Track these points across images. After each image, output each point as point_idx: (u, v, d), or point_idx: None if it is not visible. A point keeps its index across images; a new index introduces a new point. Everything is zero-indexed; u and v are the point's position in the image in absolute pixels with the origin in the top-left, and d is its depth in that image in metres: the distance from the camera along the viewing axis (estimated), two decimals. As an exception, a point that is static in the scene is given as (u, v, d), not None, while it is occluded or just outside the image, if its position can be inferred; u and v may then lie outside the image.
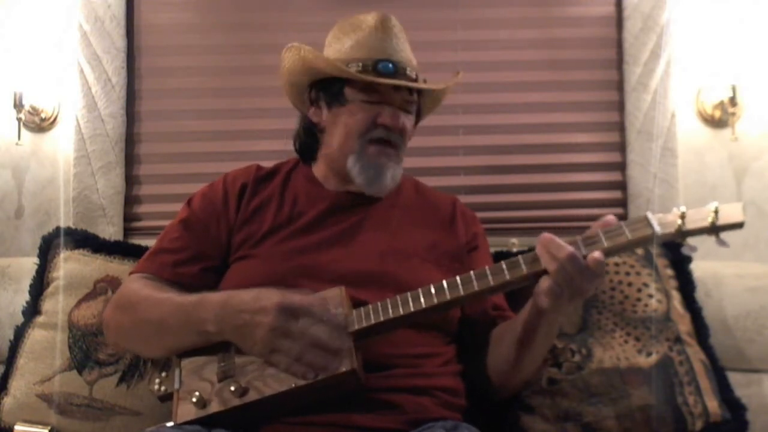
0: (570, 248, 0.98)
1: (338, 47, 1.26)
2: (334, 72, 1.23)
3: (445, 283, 1.06)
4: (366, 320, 1.06)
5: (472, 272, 1.06)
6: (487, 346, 1.23)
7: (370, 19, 1.26)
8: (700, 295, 1.47)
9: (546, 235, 1.01)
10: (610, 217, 1.03)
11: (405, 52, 1.27)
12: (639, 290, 1.41)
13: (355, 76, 1.21)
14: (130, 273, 1.25)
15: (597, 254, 0.98)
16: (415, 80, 1.26)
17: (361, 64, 1.22)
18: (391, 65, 1.22)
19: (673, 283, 1.46)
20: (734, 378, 1.39)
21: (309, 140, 1.33)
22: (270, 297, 1.03)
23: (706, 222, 0.97)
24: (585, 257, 0.99)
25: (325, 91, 1.27)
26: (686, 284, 1.47)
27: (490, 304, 1.27)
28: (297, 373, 1.01)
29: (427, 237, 1.28)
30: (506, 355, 1.18)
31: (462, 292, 1.05)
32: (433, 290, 1.06)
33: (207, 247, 1.24)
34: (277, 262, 1.18)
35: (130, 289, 1.20)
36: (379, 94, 1.23)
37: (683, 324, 1.40)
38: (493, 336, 1.23)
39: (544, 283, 1.01)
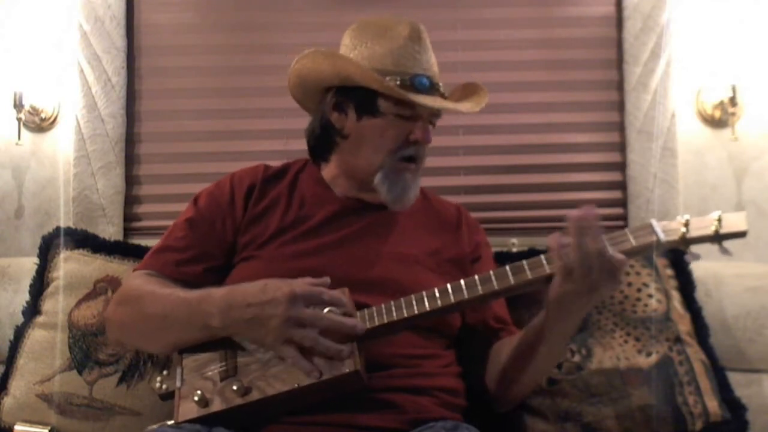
0: (602, 242, 0.97)
1: (367, 53, 1.23)
2: (377, 87, 1.20)
3: (449, 286, 1.07)
4: (369, 322, 1.06)
5: (476, 276, 1.07)
6: (486, 357, 1.23)
7: (402, 28, 1.23)
8: (700, 295, 1.47)
9: (579, 215, 0.98)
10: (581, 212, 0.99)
11: (435, 65, 1.26)
12: (639, 290, 1.41)
13: (402, 95, 1.18)
14: (134, 269, 1.25)
15: (621, 255, 0.98)
16: (444, 94, 1.25)
17: (399, 79, 1.19)
18: (426, 80, 1.21)
19: (673, 283, 1.46)
20: (734, 378, 1.39)
21: (325, 141, 1.30)
22: (279, 287, 1.02)
23: (710, 230, 0.97)
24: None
25: (354, 99, 1.24)
26: (686, 284, 1.47)
27: (491, 316, 1.26)
28: (304, 368, 1.01)
29: (432, 243, 1.27)
30: (507, 367, 1.18)
31: (466, 296, 1.05)
32: (437, 294, 1.07)
33: (212, 246, 1.23)
34: (281, 265, 1.17)
35: (133, 285, 1.19)
36: (412, 109, 1.21)
37: (683, 324, 1.40)
38: (495, 349, 1.23)
39: (562, 273, 0.99)
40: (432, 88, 1.22)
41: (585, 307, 1.06)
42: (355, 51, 1.25)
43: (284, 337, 1.01)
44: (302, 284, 1.03)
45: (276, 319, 1.00)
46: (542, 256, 1.04)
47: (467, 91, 1.35)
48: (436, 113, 1.26)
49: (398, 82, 1.19)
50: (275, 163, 1.36)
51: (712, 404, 1.30)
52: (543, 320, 1.09)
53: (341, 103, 1.26)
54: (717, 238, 0.98)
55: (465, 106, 1.29)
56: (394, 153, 1.23)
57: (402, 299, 1.07)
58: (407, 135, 1.22)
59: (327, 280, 1.07)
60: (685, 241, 0.99)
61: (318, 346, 1.00)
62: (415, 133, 1.22)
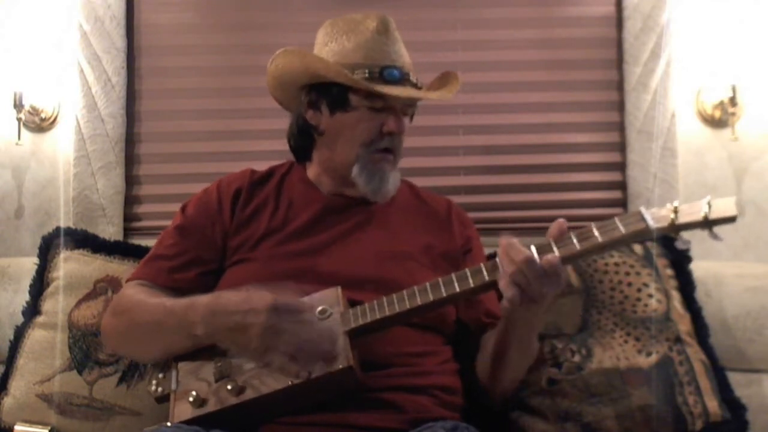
0: (527, 252, 0.98)
1: (337, 49, 1.24)
2: (344, 81, 1.21)
3: (440, 280, 1.07)
4: (362, 318, 1.06)
5: (467, 269, 1.07)
6: (477, 352, 1.24)
7: (370, 21, 1.24)
8: (700, 295, 1.47)
9: (505, 239, 1.01)
10: (561, 221, 1.03)
11: (406, 56, 1.26)
12: (639, 290, 1.41)
13: (368, 87, 1.19)
14: (127, 280, 1.26)
15: (551, 256, 0.98)
16: (416, 84, 1.25)
17: (367, 71, 1.20)
18: (396, 72, 1.22)
19: (673, 283, 1.46)
20: (734, 378, 1.39)
21: (304, 140, 1.31)
22: (261, 297, 1.03)
23: (699, 216, 0.97)
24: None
25: (326, 95, 1.25)
26: (686, 284, 1.47)
27: (483, 312, 1.26)
28: (291, 372, 1.01)
29: (423, 239, 1.28)
30: (489, 366, 1.19)
31: (458, 289, 1.05)
32: (428, 287, 1.07)
33: (202, 251, 1.24)
34: (273, 266, 1.18)
35: (125, 295, 1.21)
36: (384, 100, 1.22)
37: (683, 324, 1.40)
38: (482, 344, 1.24)
39: (505, 289, 1.00)
40: (403, 79, 1.22)
41: (537, 312, 1.06)
42: (326, 47, 1.26)
43: (265, 345, 1.02)
44: (285, 296, 1.04)
45: (257, 327, 1.01)
46: (532, 246, 1.04)
47: (443, 80, 1.35)
48: (409, 104, 1.26)
49: (367, 75, 1.20)
50: (262, 166, 1.36)
51: (712, 404, 1.30)
52: (502, 330, 1.11)
53: (315, 101, 1.27)
54: (707, 223, 0.97)
55: (435, 95, 1.29)
56: (369, 145, 1.23)
57: (394, 295, 1.07)
58: (380, 127, 1.23)
59: (320, 295, 1.09)
60: (675, 228, 0.99)
61: (300, 353, 1.01)
62: (388, 124, 1.22)
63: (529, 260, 0.97)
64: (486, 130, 1.85)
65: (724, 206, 0.97)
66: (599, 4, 1.86)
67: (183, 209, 1.30)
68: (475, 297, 1.24)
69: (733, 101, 1.73)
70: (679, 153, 1.77)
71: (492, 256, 1.42)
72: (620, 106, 1.83)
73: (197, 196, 1.31)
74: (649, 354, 1.34)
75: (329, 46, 1.26)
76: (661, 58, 1.76)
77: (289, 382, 1.01)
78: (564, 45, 1.85)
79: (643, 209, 1.01)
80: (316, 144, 1.30)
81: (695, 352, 1.37)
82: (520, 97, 1.85)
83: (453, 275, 1.07)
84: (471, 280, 1.05)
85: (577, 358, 1.34)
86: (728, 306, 1.50)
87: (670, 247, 1.48)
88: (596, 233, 1.01)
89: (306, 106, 1.28)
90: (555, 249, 1.00)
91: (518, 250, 0.98)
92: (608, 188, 1.84)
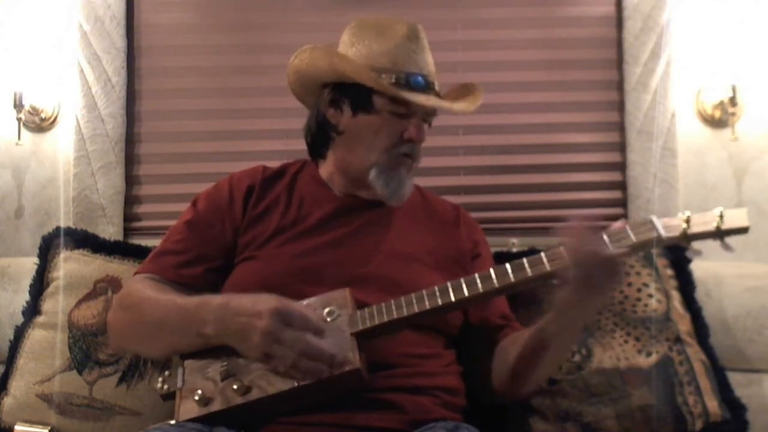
0: (593, 245, 0.99)
1: (364, 51, 1.24)
2: (371, 84, 1.20)
3: (449, 284, 1.07)
4: (370, 321, 1.06)
5: (476, 275, 1.07)
6: (492, 354, 1.23)
7: (400, 27, 1.24)
8: (700, 295, 1.47)
9: (568, 233, 1.02)
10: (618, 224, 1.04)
11: (431, 64, 1.27)
12: (639, 290, 1.41)
13: (395, 93, 1.19)
14: (135, 273, 1.25)
15: (616, 250, 0.99)
16: (439, 94, 1.26)
17: (394, 77, 1.20)
18: (421, 79, 1.22)
19: (673, 283, 1.46)
20: (734, 378, 1.39)
21: (321, 138, 1.30)
22: (267, 302, 1.03)
23: (711, 226, 0.97)
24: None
25: (349, 95, 1.24)
26: (686, 284, 1.47)
27: (496, 313, 1.26)
28: (295, 377, 1.01)
29: (430, 241, 1.28)
30: (517, 366, 1.17)
31: (466, 294, 1.06)
32: (437, 292, 1.07)
33: (211, 248, 1.24)
34: (280, 264, 1.18)
35: (133, 290, 1.20)
36: (407, 107, 1.22)
37: (683, 324, 1.40)
38: (501, 346, 1.23)
39: (565, 278, 1.01)
40: (427, 87, 1.23)
41: (591, 307, 1.08)
42: (353, 48, 1.26)
43: (265, 350, 1.02)
44: (291, 303, 1.04)
45: (257, 331, 1.01)
46: (542, 254, 1.04)
47: (464, 90, 1.35)
48: (431, 112, 1.26)
49: (393, 80, 1.20)
50: (274, 164, 1.36)
51: (712, 404, 1.30)
52: (550, 323, 1.10)
53: (337, 100, 1.26)
54: (719, 234, 0.97)
55: (458, 106, 1.30)
56: (389, 151, 1.23)
57: (402, 298, 1.07)
58: (401, 133, 1.23)
59: (329, 297, 1.09)
60: (687, 238, 0.99)
61: (301, 361, 1.01)
62: (409, 130, 1.23)
63: (594, 252, 0.98)
64: (486, 130, 1.85)
65: (736, 217, 0.97)
66: (599, 4, 1.86)
67: (194, 203, 1.30)
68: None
69: (733, 101, 1.73)
70: (679, 153, 1.77)
71: (496, 255, 1.42)
72: (620, 106, 1.82)
73: (208, 192, 1.31)
74: (649, 354, 1.34)
75: (356, 47, 1.25)
76: (661, 58, 1.76)
77: (296, 384, 1.01)
78: (564, 45, 1.85)
79: (654, 218, 1.01)
80: (333, 143, 1.29)
81: (695, 352, 1.37)
82: (520, 97, 1.85)
83: (462, 280, 1.07)
84: (480, 285, 1.06)
85: (577, 358, 1.34)
86: (728, 306, 1.50)
87: (671, 247, 1.47)
88: (607, 241, 1.01)
89: (327, 104, 1.27)
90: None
91: (581, 242, 0.99)
92: (608, 188, 1.84)
